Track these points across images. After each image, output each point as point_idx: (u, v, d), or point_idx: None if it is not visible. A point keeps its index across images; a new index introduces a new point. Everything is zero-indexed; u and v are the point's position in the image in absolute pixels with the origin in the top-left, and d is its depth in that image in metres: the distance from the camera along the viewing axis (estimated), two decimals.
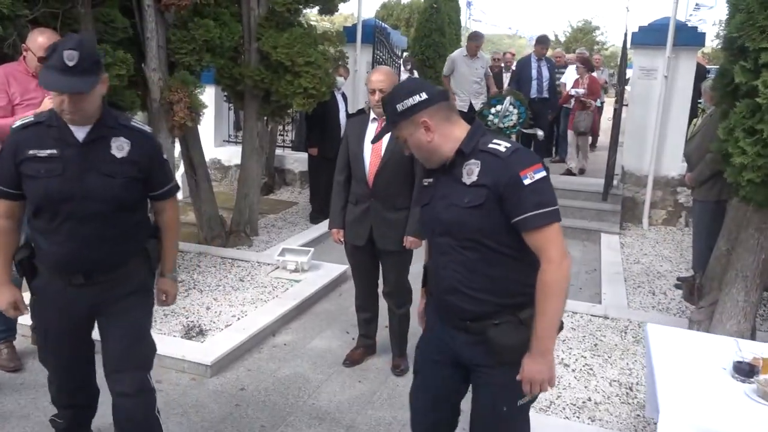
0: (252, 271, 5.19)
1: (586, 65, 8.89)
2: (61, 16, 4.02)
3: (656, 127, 7.06)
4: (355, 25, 8.41)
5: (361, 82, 8.39)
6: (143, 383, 2.45)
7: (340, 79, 6.78)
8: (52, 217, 2.25)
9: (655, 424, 2.30)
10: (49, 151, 2.21)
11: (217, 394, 3.45)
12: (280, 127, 8.76)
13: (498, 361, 1.96)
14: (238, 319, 4.23)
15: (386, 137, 2.99)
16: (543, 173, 1.86)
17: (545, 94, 8.55)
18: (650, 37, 7.09)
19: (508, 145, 1.90)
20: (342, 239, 3.65)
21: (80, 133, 2.22)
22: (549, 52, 9.59)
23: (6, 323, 3.63)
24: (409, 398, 2.31)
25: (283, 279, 4.99)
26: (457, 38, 13.56)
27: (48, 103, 2.85)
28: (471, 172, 1.90)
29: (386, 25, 9.76)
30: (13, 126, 2.34)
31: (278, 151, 8.80)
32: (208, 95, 5.90)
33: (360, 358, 3.87)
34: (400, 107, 1.94)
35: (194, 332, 3.99)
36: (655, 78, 7.06)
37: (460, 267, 1.94)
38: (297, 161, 8.66)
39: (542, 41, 8.85)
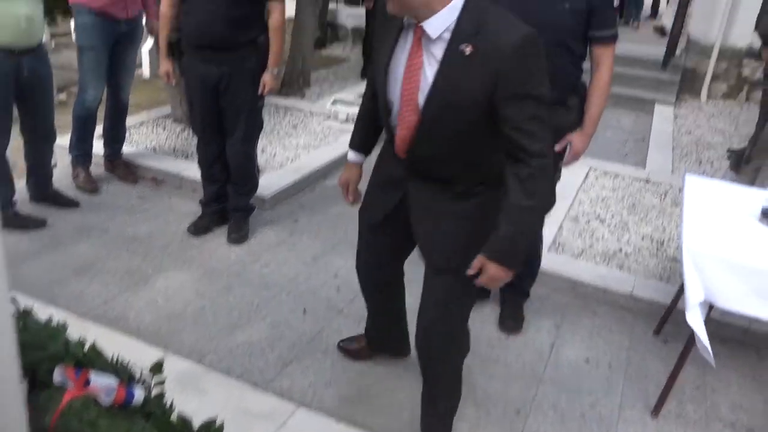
0: (304, 120, 5.37)
1: None
2: None
3: None
4: None
5: None
6: (246, 149, 3.37)
7: None
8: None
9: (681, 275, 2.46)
10: None
11: (274, 224, 3.76)
12: None
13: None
14: (292, 161, 4.47)
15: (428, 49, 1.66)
16: None
17: None
18: None
19: None
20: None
21: None
22: None
23: (83, 149, 3.89)
24: None
25: (333, 128, 5.16)
26: None
27: None
28: None
29: None
30: None
31: (331, 6, 8.66)
32: None
33: None
34: None
35: None
36: None
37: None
38: (350, 16, 8.52)
39: None
